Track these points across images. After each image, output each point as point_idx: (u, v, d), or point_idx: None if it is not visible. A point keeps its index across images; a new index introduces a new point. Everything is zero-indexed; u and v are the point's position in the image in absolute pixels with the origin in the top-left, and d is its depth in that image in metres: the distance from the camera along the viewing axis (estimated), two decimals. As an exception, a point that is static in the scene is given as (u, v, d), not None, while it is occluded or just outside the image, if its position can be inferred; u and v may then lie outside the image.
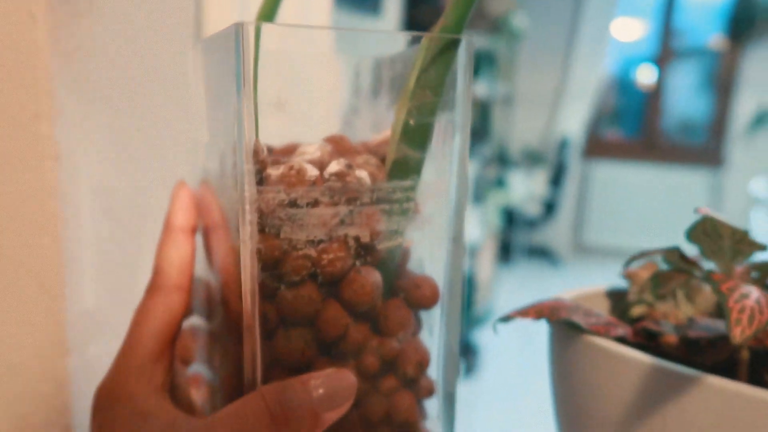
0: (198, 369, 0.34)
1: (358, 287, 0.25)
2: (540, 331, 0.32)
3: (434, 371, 0.29)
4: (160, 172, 0.44)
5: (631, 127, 4.27)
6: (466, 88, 0.26)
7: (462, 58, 0.26)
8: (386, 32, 0.28)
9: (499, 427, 1.82)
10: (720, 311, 0.33)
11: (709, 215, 0.23)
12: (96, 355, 0.38)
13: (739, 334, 0.21)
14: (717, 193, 3.87)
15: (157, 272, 0.28)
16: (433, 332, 0.29)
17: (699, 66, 4.17)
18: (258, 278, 0.23)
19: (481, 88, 3.40)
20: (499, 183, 3.42)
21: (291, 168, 0.23)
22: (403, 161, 0.26)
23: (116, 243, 0.40)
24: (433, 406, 0.30)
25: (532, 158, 4.00)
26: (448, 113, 0.27)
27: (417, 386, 0.28)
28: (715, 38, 3.96)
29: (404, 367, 0.27)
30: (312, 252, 0.24)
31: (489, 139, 3.62)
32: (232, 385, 0.27)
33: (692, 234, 0.24)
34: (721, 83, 3.89)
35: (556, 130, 4.02)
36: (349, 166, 0.24)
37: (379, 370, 0.27)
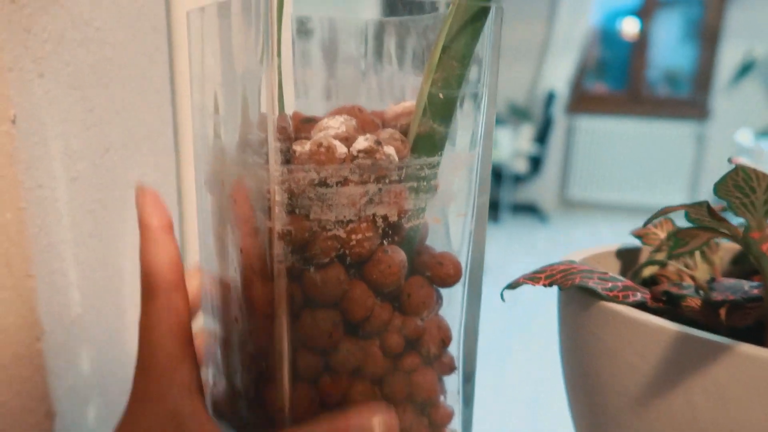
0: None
1: (384, 267, 0.24)
2: (522, 290, 0.30)
3: (454, 348, 0.29)
4: (129, 132, 0.41)
5: (616, 79, 4.25)
6: (494, 58, 0.25)
7: (490, 26, 0.25)
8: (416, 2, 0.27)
9: (490, 388, 1.85)
10: (739, 269, 0.32)
11: (744, 165, 0.21)
12: (73, 337, 0.37)
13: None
14: (702, 145, 3.88)
15: (149, 275, 0.27)
16: (454, 308, 0.28)
17: (684, 15, 4.13)
18: (289, 260, 0.22)
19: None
20: (486, 139, 3.40)
21: (320, 145, 0.22)
22: (429, 136, 0.25)
23: (87, 212, 0.37)
24: (451, 381, 0.29)
25: (518, 114, 3.98)
26: (472, 85, 0.26)
27: (438, 363, 0.28)
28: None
29: (427, 345, 0.27)
30: (341, 232, 0.23)
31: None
32: (254, 372, 0.26)
33: (721, 187, 0.22)
34: (707, 32, 3.87)
35: (542, 85, 3.99)
36: (378, 143, 0.23)
37: (402, 348, 0.26)
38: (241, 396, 0.28)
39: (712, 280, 0.26)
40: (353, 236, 0.23)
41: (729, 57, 3.74)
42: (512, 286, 0.27)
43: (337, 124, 0.24)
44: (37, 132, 0.32)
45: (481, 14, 0.24)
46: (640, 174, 4.01)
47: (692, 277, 0.28)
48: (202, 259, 0.33)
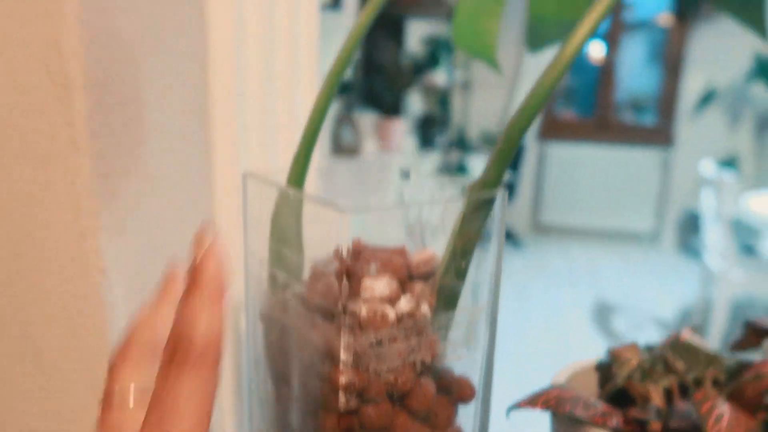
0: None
1: (422, 397, 0.31)
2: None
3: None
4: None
5: (584, 106, 4.38)
6: (500, 230, 0.33)
7: (497, 207, 0.32)
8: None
9: None
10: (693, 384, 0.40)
11: (688, 341, 0.30)
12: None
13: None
14: (667, 172, 4.02)
15: (188, 341, 0.21)
16: (468, 415, 0.35)
17: (648, 41, 4.27)
18: (352, 403, 0.29)
19: (440, 76, 3.46)
20: (460, 168, 3.50)
21: (375, 313, 0.29)
22: (450, 291, 0.32)
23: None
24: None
25: (491, 142, 4.09)
26: (484, 250, 0.33)
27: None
28: (662, 15, 4.07)
29: (451, 451, 0.34)
30: (390, 377, 0.30)
31: (449, 126, 3.70)
32: None
33: (675, 348, 0.31)
34: (670, 60, 4.01)
35: (514, 113, 4.09)
36: (417, 304, 0.30)
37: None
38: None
39: (671, 400, 0.34)
40: (399, 379, 0.30)
41: (692, 85, 3.89)
42: (516, 406, 0.35)
43: (382, 287, 0.31)
44: (119, 277, 0.38)
45: (489, 202, 0.32)
46: (609, 199, 4.15)
47: (655, 389, 0.35)
48: (249, 353, 0.40)
